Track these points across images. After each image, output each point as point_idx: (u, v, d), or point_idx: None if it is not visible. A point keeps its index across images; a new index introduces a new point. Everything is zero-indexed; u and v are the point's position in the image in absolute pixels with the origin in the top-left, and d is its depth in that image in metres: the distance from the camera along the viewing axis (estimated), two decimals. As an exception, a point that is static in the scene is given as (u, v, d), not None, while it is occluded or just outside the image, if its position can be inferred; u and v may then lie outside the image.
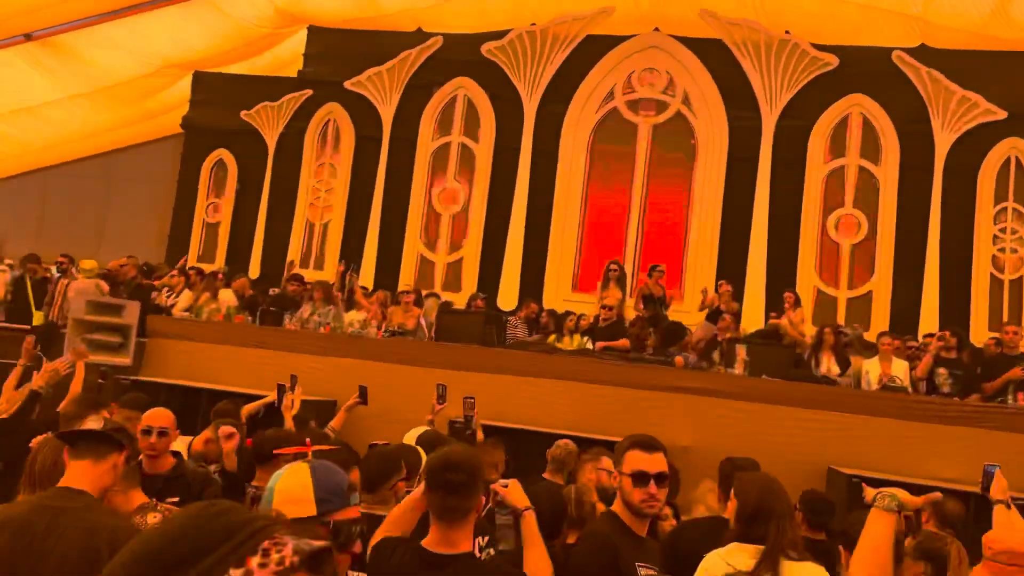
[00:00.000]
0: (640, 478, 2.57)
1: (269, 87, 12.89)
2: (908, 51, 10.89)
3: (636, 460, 2.61)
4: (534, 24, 12.01)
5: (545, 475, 4.62)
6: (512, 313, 9.80)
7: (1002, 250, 10.55)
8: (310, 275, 10.83)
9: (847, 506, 5.59)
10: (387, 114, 12.39)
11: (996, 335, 8.17)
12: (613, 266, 9.50)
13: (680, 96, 11.64)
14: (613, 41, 11.82)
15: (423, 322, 8.32)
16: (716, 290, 9.57)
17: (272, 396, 5.66)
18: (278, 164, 12.74)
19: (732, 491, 2.71)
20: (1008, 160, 10.65)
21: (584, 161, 11.80)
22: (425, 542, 2.34)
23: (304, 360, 7.14)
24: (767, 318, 9.54)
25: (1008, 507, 3.51)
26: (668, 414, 6.87)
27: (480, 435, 5.42)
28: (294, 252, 12.37)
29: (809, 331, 8.72)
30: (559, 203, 11.71)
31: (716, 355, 7.98)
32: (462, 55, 12.22)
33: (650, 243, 11.47)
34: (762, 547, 2.50)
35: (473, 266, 11.86)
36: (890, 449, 6.48)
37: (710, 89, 11.49)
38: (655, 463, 2.62)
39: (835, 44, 11.11)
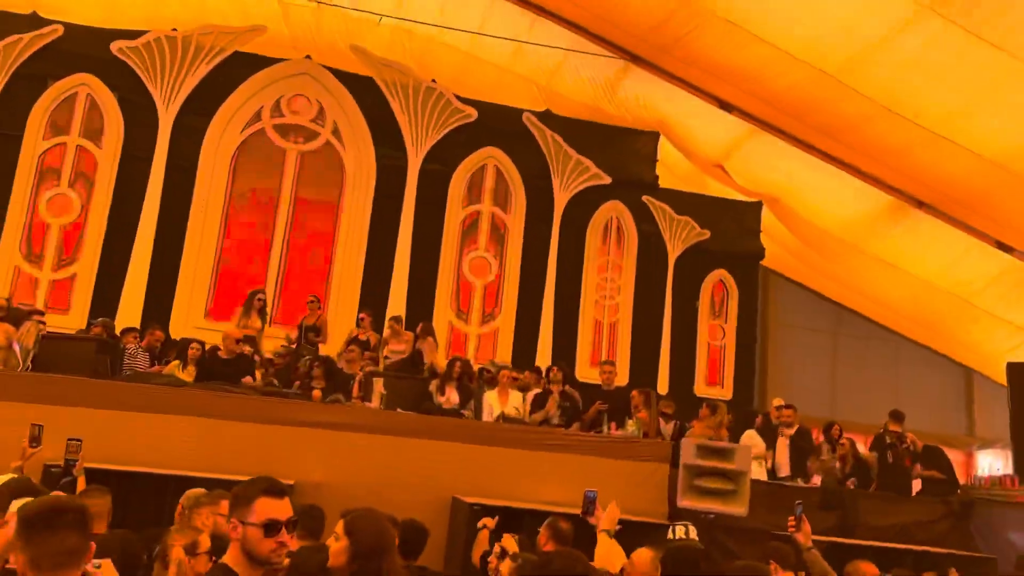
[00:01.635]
0: (272, 527, 2.41)
1: None
2: (536, 114, 12.16)
3: (267, 508, 2.43)
4: (175, 29, 11.18)
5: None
6: (129, 340, 8.83)
7: (603, 297, 12.16)
8: None
9: (467, 535, 5.92)
10: (-15, 102, 10.57)
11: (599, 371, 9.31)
12: (260, 295, 9.15)
13: (330, 127, 11.64)
14: (263, 62, 11.46)
15: (17, 348, 7.14)
16: (357, 323, 9.65)
17: None
18: None
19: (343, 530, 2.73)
20: (610, 219, 12.35)
21: (226, 181, 11.19)
22: None
23: None
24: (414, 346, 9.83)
25: (610, 536, 3.99)
26: (300, 450, 6.70)
27: (82, 482, 4.76)
28: None
29: (442, 362, 9.19)
30: (195, 222, 10.93)
31: (355, 388, 8.00)
32: (87, 49, 10.91)
33: (293, 273, 11.20)
34: None
35: (87, 284, 10.51)
36: (508, 477, 7.02)
37: (359, 123, 11.66)
38: (285, 509, 2.48)
39: (475, 99, 11.99)
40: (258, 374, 7.81)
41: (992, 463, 12.74)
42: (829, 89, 9.05)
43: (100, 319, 9.26)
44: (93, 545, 2.12)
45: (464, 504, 6.47)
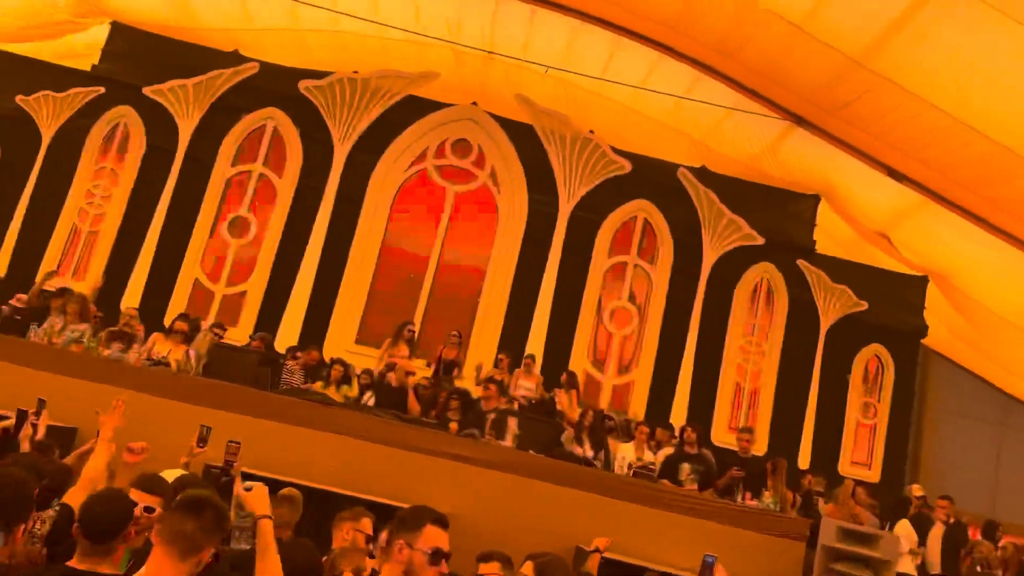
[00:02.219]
0: (437, 556, 2.52)
1: (56, 76, 11.78)
2: (691, 169, 12.10)
3: (434, 537, 2.54)
4: (356, 72, 12.02)
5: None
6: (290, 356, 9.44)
7: (746, 360, 11.80)
8: (68, 285, 9.82)
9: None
10: (186, 129, 11.72)
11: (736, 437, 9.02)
12: (410, 326, 9.56)
13: (488, 170, 12.08)
14: (432, 105, 12.09)
15: (192, 355, 7.79)
16: (496, 363, 9.85)
17: (11, 420, 5.00)
18: (51, 159, 11.57)
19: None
20: (760, 281, 12.02)
21: (387, 215, 11.83)
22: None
23: (47, 379, 6.41)
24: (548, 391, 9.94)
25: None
26: (433, 479, 6.88)
27: (239, 483, 5.10)
28: (53, 257, 11.19)
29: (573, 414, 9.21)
30: (356, 251, 11.59)
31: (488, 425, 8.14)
32: (277, 86, 11.92)
33: (438, 308, 11.61)
34: None
35: (255, 302, 11.34)
36: (633, 532, 6.90)
37: (516, 169, 12.03)
38: (447, 541, 2.60)
39: (630, 151, 12.10)
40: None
41: None
42: (1009, 163, 8.50)
43: (260, 333, 9.93)
44: (211, 548, 2.35)
45: (587, 553, 6.41)
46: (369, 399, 8.18)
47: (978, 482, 12.24)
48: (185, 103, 11.74)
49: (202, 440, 4.96)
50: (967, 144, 8.69)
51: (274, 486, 5.75)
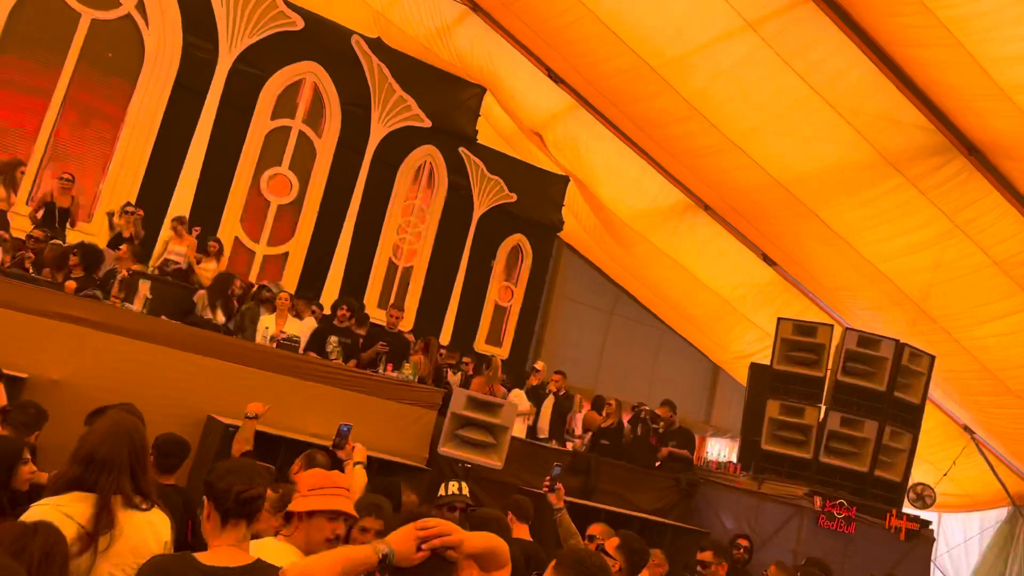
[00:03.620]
0: None
1: None
2: (366, 39, 11.68)
3: None
4: None
5: None
6: None
7: (402, 240, 12.04)
8: None
9: (219, 454, 5.68)
10: None
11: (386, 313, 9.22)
12: (22, 167, 8.17)
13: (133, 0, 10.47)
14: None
15: None
16: (121, 213, 8.84)
17: None
18: None
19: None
20: (423, 164, 12.21)
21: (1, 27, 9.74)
22: None
23: None
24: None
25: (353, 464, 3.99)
26: (41, 342, 6.07)
27: None
28: None
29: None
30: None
31: (115, 287, 7.33)
32: None
33: (62, 150, 10.02)
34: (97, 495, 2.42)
35: None
36: (272, 402, 6.77)
37: (171, 5, 10.59)
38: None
39: (304, 7, 11.29)
40: None
41: (721, 450, 14.22)
42: (650, 83, 9.47)
43: None
44: None
45: (219, 424, 6.18)
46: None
47: (587, 361, 14.12)
48: None
49: None
50: (615, 56, 9.47)
51: None
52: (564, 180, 13.00)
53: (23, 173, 8.26)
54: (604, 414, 9.68)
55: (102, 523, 2.38)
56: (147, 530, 2.50)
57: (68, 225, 8.36)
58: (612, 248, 13.53)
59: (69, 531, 2.28)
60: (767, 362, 9.43)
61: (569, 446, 9.41)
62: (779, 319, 9.53)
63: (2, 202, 7.82)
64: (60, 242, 7.36)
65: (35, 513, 2.35)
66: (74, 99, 10.08)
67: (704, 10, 8.35)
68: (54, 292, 6.48)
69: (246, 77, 10.99)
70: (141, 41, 10.47)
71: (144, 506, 2.52)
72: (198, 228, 9.48)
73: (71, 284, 6.73)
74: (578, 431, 10.06)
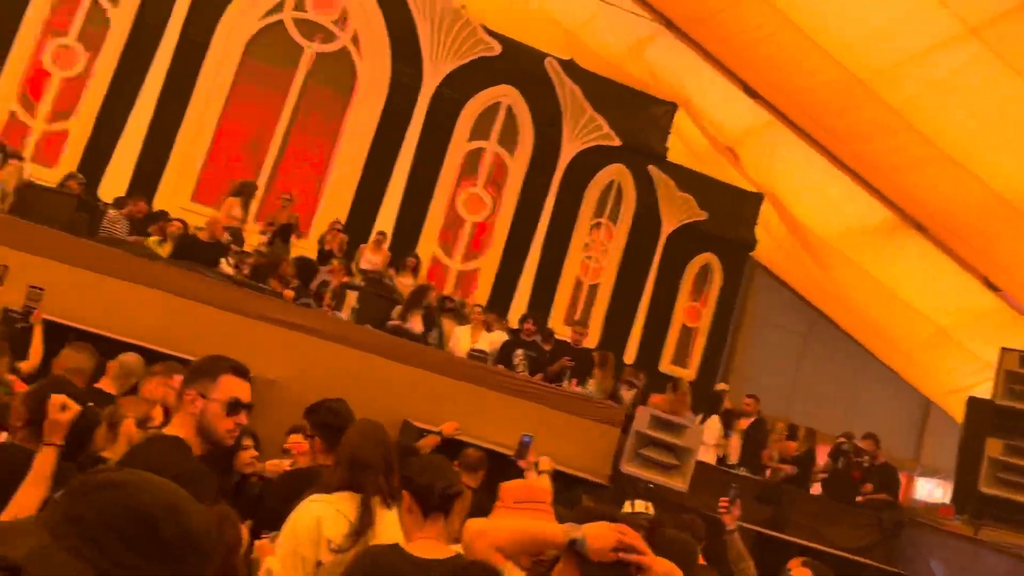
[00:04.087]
0: (234, 407, 2.36)
1: None
2: (560, 61, 11.95)
3: (231, 386, 2.37)
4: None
5: (99, 385, 4.19)
6: (114, 206, 8.71)
7: (589, 258, 12.14)
8: None
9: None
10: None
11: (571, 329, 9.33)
12: (253, 187, 9.08)
13: (350, 33, 11.38)
14: (295, -48, 11.12)
15: (-4, 189, 7.02)
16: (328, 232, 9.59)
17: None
18: None
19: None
20: (612, 183, 12.26)
21: (236, 64, 10.94)
22: None
23: None
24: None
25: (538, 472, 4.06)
26: (263, 344, 6.69)
27: (38, 332, 4.72)
28: None
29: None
30: (197, 101, 10.70)
31: (328, 296, 7.98)
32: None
33: (286, 171, 11.06)
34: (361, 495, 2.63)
35: (79, 142, 10.30)
36: (461, 410, 7.06)
37: (380, 35, 11.41)
38: (247, 391, 2.44)
39: (501, 33, 11.75)
40: (228, 263, 7.70)
41: (932, 491, 13.02)
42: (855, 95, 8.96)
43: (76, 174, 9.00)
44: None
45: (414, 428, 6.51)
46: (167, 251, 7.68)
47: (780, 386, 13.46)
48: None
49: (-2, 279, 4.51)
50: (817, 70, 9.05)
51: (82, 336, 5.39)
52: (758, 197, 12.54)
53: (255, 195, 9.18)
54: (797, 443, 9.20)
55: (364, 521, 2.60)
56: (394, 528, 2.68)
57: (292, 240, 9.19)
58: (810, 269, 12.85)
59: (341, 527, 2.54)
60: (987, 396, 8.55)
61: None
62: (1003, 349, 8.62)
63: (237, 220, 8.72)
64: (283, 255, 8.11)
65: (311, 508, 2.61)
66: (296, 125, 11.10)
67: (918, 17, 7.80)
68: (275, 300, 7.15)
69: (447, 101, 11.59)
70: (354, 70, 11.35)
71: (394, 506, 2.73)
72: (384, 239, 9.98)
73: (289, 293, 7.40)
74: (772, 459, 9.60)
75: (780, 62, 9.51)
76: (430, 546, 2.37)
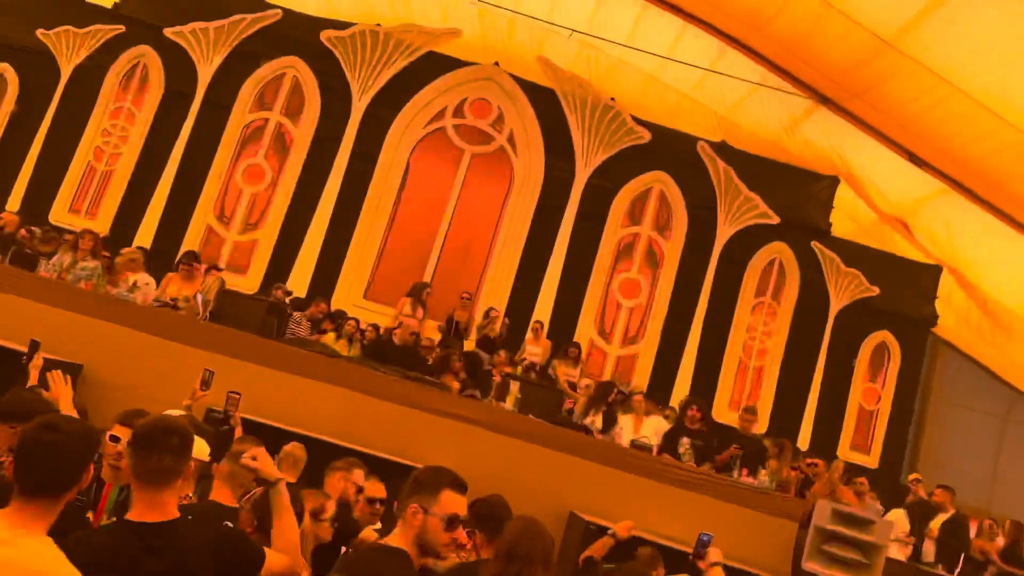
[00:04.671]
0: (453, 522, 2.44)
1: (75, 11, 11.67)
2: (711, 144, 11.95)
3: (451, 502, 2.46)
4: (379, 25, 11.87)
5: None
6: (298, 307, 9.46)
7: (752, 339, 11.76)
8: (80, 223, 9.87)
9: (580, 548, 5.91)
10: (205, 73, 11.63)
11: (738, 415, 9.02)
12: (427, 289, 9.61)
13: (506, 133, 11.96)
14: (453, 63, 11.94)
15: (199, 299, 7.81)
16: (489, 318, 9.89)
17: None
18: (69, 95, 11.51)
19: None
20: (773, 261, 11.94)
21: (402, 171, 11.77)
22: (130, 515, 2.24)
23: (55, 314, 6.45)
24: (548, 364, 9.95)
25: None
26: (431, 437, 6.92)
27: (239, 432, 5.15)
28: (67, 194, 11.21)
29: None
30: (369, 205, 11.55)
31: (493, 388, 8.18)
32: (299, 34, 11.79)
33: (447, 268, 11.59)
34: None
35: (266, 250, 11.35)
36: (628, 502, 6.94)
37: (534, 132, 11.92)
38: (464, 506, 2.54)
39: (651, 121, 11.95)
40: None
41: None
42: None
43: (280, 285, 9.88)
44: (192, 466, 2.33)
45: (581, 520, 6.46)
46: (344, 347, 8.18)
47: (977, 474, 12.23)
48: (206, 46, 11.64)
49: (205, 383, 4.99)
50: (991, 134, 8.55)
51: (273, 434, 5.82)
52: (936, 270, 11.76)
53: (429, 294, 9.69)
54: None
55: None
56: None
57: (466, 335, 9.57)
58: (1003, 344, 11.79)
59: None
60: None
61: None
62: None
63: (412, 319, 9.19)
64: (454, 350, 8.44)
65: None
66: (456, 226, 11.68)
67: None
68: (442, 392, 7.43)
69: (599, 191, 11.84)
70: (511, 168, 11.87)
71: None
72: (541, 325, 10.16)
73: (455, 385, 7.67)
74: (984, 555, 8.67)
75: (949, 130, 9.05)
76: None
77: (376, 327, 8.68)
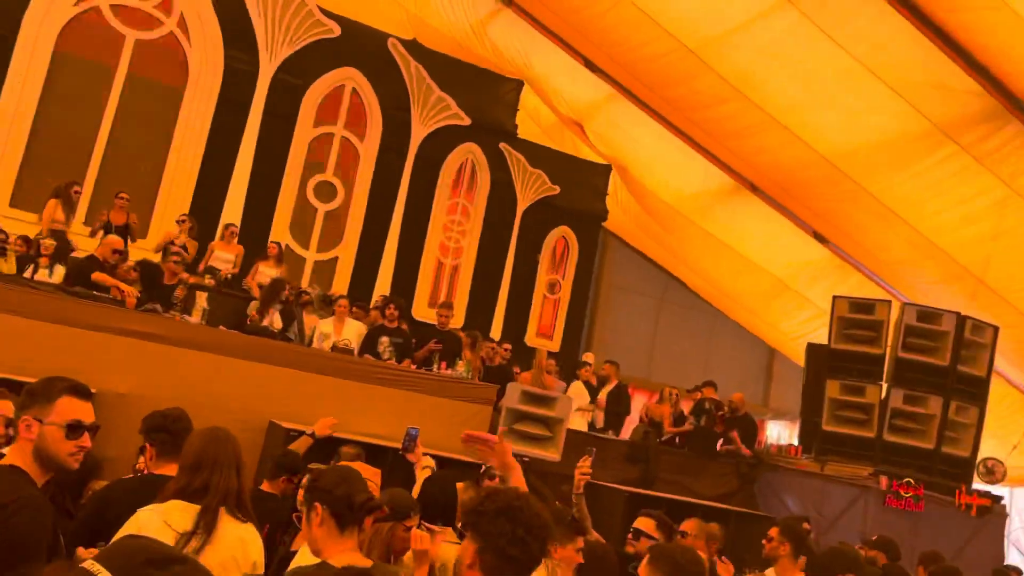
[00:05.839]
0: (75, 429, 2.26)
1: None
2: (402, 41, 11.75)
3: (71, 408, 2.28)
4: None
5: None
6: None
7: (448, 239, 12.11)
8: None
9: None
10: None
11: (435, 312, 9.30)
12: (76, 188, 8.43)
13: (176, 17, 10.69)
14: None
15: None
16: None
17: None
18: None
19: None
20: (465, 161, 12.26)
21: (48, 56, 10.04)
22: None
23: None
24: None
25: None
26: (107, 358, 6.26)
27: None
28: None
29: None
30: (9, 93, 9.76)
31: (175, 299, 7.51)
32: None
33: (112, 167, 10.29)
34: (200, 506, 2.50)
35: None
36: (331, 406, 6.89)
37: (210, 19, 10.80)
38: (90, 412, 2.35)
39: (340, 14, 11.41)
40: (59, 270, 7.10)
41: (780, 432, 14.02)
42: (689, 65, 9.36)
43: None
44: None
45: (281, 428, 6.31)
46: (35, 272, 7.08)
47: (639, 349, 14.03)
48: None
49: None
50: (652, 41, 9.38)
51: None
52: (607, 169, 12.93)
53: (78, 193, 8.54)
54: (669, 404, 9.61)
55: (202, 529, 2.47)
56: (237, 547, 2.55)
57: (128, 241, 8.61)
58: (659, 235, 13.41)
59: (167, 540, 2.35)
60: (824, 342, 9.26)
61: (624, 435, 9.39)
62: (834, 297, 9.35)
63: (60, 224, 8.08)
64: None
65: (136, 520, 2.45)
66: (123, 118, 10.35)
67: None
68: (116, 308, 6.68)
69: (287, 86, 11.16)
70: (185, 58, 10.70)
71: (242, 518, 2.59)
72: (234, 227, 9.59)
73: (131, 299, 6.92)
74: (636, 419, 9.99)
75: (618, 36, 9.78)
76: (353, 559, 2.29)
77: (27, 239, 7.46)
